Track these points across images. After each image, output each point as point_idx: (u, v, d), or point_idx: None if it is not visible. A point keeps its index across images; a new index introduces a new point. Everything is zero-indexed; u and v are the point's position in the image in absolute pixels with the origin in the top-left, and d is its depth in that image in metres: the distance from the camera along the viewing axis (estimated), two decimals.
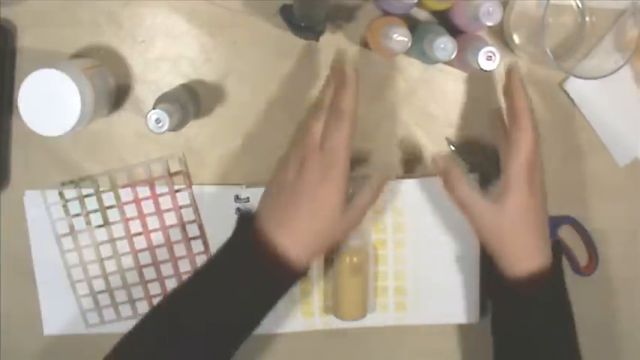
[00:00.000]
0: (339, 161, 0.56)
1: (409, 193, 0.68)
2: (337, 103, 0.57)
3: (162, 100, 0.60)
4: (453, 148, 0.68)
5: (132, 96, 0.67)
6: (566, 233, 0.71)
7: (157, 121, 0.57)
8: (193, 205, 0.69)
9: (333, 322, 0.70)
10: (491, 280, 0.63)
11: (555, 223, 0.70)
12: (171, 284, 0.70)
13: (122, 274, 0.70)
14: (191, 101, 0.63)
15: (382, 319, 0.70)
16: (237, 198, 0.68)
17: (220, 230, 0.68)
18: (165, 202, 0.68)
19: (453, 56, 0.56)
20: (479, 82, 0.68)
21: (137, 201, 0.68)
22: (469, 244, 0.68)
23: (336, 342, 0.71)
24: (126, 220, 0.69)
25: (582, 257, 0.71)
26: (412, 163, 0.69)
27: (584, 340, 0.73)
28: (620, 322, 0.73)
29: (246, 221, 0.59)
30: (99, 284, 0.70)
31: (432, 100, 0.68)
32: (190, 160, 0.68)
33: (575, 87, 0.68)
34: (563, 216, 0.70)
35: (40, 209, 0.68)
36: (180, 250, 0.69)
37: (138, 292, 0.70)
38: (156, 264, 0.70)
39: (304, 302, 0.70)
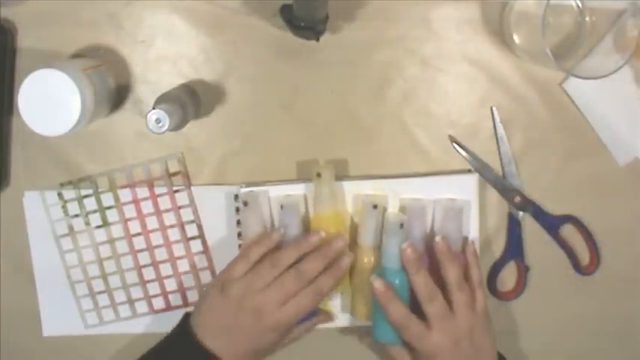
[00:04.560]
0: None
1: (410, 192, 0.68)
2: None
3: (162, 100, 0.60)
4: (456, 146, 0.68)
5: (132, 96, 0.67)
6: (568, 232, 0.70)
7: (157, 121, 0.57)
8: (192, 205, 0.69)
9: (333, 322, 0.69)
10: None
11: (557, 222, 0.70)
12: (170, 284, 0.70)
13: (121, 275, 0.70)
14: (191, 101, 0.63)
15: None
16: (236, 198, 0.68)
17: (219, 230, 0.69)
18: (165, 203, 0.68)
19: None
20: (479, 81, 0.68)
21: (136, 201, 0.68)
22: (452, 244, 0.67)
23: (337, 342, 0.71)
24: (125, 221, 0.69)
25: (584, 256, 0.71)
26: None
27: (584, 340, 0.73)
28: (621, 321, 0.72)
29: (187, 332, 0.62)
30: (98, 285, 0.70)
31: (432, 100, 0.68)
32: (190, 160, 0.68)
33: (575, 87, 0.68)
34: (565, 215, 0.70)
35: (40, 210, 0.68)
36: (179, 250, 0.69)
37: (137, 292, 0.70)
38: (155, 264, 0.70)
39: None
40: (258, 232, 0.66)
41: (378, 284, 0.62)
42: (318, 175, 0.66)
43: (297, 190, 0.68)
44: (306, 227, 0.67)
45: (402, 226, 0.64)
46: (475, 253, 0.66)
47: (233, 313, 0.61)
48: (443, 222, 0.67)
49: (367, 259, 0.66)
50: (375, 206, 0.66)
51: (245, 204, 0.66)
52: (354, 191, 0.68)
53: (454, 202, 0.67)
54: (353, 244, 0.67)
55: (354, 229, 0.68)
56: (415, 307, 0.62)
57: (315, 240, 0.64)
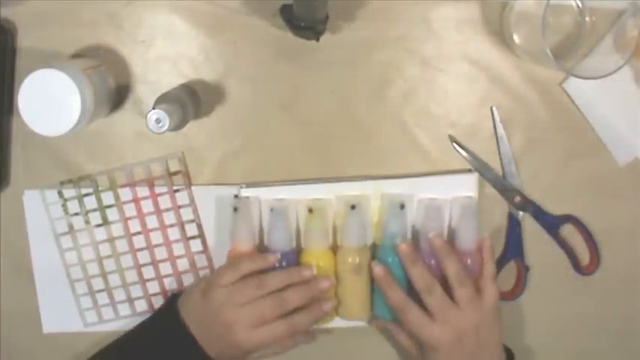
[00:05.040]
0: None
1: (410, 192, 0.68)
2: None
3: (162, 100, 0.60)
4: (456, 146, 0.68)
5: (132, 96, 0.67)
6: (568, 232, 0.70)
7: (157, 121, 0.57)
8: (192, 204, 0.69)
9: (333, 322, 0.69)
10: None
11: (557, 222, 0.70)
12: (169, 283, 0.70)
13: (121, 273, 0.70)
14: (191, 101, 0.63)
15: None
16: (236, 198, 0.68)
17: (219, 230, 0.69)
18: (165, 202, 0.68)
19: None
20: (479, 81, 0.68)
21: (136, 200, 0.68)
22: (469, 241, 0.68)
23: (337, 341, 0.71)
24: (125, 220, 0.69)
25: (584, 256, 0.71)
26: None
27: (584, 340, 0.73)
28: (621, 321, 0.72)
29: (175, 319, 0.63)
30: (98, 283, 0.70)
31: (432, 100, 0.68)
32: (190, 159, 0.68)
33: (575, 87, 0.68)
34: (565, 215, 0.70)
35: (40, 208, 0.68)
36: (179, 249, 0.69)
37: (136, 291, 0.70)
38: (155, 263, 0.70)
39: None
40: (248, 238, 0.66)
41: (378, 269, 0.63)
42: (310, 210, 0.66)
43: (298, 191, 0.68)
44: (297, 232, 0.68)
45: (402, 206, 0.65)
46: (491, 249, 0.66)
47: (208, 317, 0.61)
48: (459, 221, 0.67)
49: (351, 258, 0.66)
50: (353, 206, 0.66)
51: (235, 210, 0.66)
52: (352, 191, 0.68)
53: (471, 199, 0.67)
54: (335, 246, 0.68)
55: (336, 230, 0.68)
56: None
57: (307, 274, 0.64)
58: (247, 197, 0.67)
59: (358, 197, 0.67)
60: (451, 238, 0.68)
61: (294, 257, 0.67)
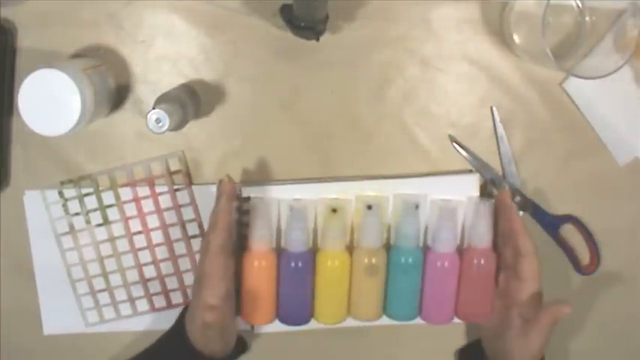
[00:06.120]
0: (204, 280, 0.62)
1: (410, 192, 0.68)
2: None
3: (162, 100, 0.60)
4: (456, 146, 0.69)
5: (132, 96, 0.67)
6: (568, 232, 0.70)
7: (157, 121, 0.57)
8: (193, 204, 0.69)
9: (345, 322, 0.68)
10: None
11: (557, 222, 0.70)
12: (171, 283, 0.70)
13: (122, 273, 0.70)
14: (191, 101, 0.63)
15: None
16: (236, 197, 0.68)
17: None
18: (165, 201, 0.69)
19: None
20: (479, 81, 0.68)
21: (137, 200, 0.69)
22: (483, 240, 0.68)
23: (337, 341, 0.71)
24: (126, 219, 0.69)
25: (584, 256, 0.71)
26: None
27: (584, 340, 0.73)
28: (621, 321, 0.73)
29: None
30: (99, 283, 0.70)
31: (432, 100, 0.68)
32: (190, 159, 0.68)
33: (575, 87, 0.68)
34: (565, 215, 0.70)
35: (40, 208, 0.68)
36: (180, 248, 0.70)
37: (138, 290, 0.70)
38: (156, 263, 0.70)
39: None
40: (265, 238, 0.65)
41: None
42: (334, 210, 0.66)
43: (298, 190, 0.68)
44: (314, 232, 0.68)
45: (417, 207, 0.66)
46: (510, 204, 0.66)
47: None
48: (474, 220, 0.67)
49: (367, 259, 0.66)
50: (369, 207, 0.66)
51: (250, 210, 0.65)
52: (352, 192, 0.68)
53: (485, 199, 0.68)
54: (351, 246, 0.67)
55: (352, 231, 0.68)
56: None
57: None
58: (265, 197, 0.67)
59: (376, 198, 0.67)
60: (465, 238, 0.68)
61: (311, 257, 0.66)
